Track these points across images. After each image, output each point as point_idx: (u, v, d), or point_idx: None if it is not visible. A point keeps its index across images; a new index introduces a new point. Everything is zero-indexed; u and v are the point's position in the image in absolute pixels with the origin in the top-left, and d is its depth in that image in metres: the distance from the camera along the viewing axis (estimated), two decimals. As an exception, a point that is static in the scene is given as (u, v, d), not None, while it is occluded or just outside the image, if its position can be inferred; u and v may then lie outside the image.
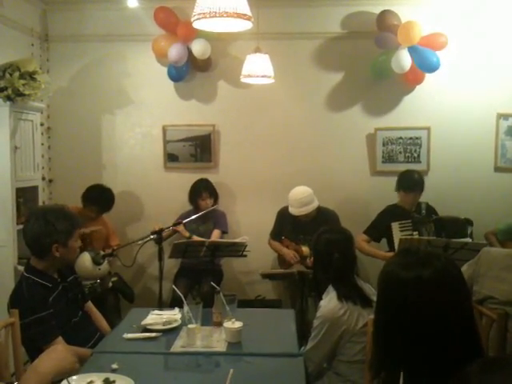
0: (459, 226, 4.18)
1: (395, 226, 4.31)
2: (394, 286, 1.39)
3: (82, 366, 2.30)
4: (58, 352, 1.79)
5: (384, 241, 4.49)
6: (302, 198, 4.25)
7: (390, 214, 4.42)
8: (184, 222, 4.26)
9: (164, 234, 3.97)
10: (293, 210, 4.29)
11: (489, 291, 2.95)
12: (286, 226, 4.52)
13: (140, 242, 3.75)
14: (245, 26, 2.37)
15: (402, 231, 4.29)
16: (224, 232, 4.71)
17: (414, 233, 4.26)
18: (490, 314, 2.65)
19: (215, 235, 4.60)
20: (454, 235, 4.04)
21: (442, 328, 1.32)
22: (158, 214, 4.81)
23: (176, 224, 4.25)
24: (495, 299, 2.90)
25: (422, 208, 4.35)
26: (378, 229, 4.43)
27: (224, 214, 4.81)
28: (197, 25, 2.34)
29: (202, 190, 4.67)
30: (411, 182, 4.38)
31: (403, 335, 1.35)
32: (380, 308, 1.45)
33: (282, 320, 3.04)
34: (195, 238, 4.53)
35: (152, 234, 3.72)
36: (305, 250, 4.26)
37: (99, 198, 4.56)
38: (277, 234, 4.62)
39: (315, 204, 4.27)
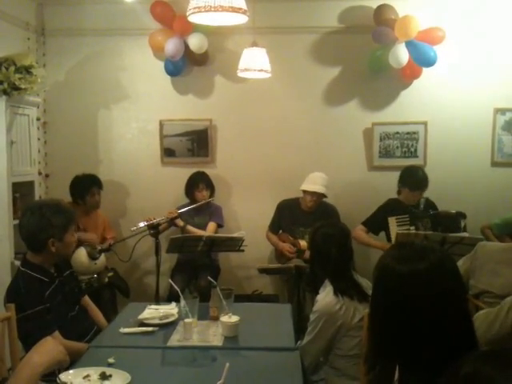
0: (452, 219, 4.18)
1: (392, 220, 4.32)
2: (390, 280, 1.39)
3: (78, 360, 2.31)
4: (49, 344, 1.81)
5: (383, 234, 4.50)
6: (322, 178, 4.41)
7: (390, 207, 4.43)
8: (180, 211, 4.27)
9: (160, 227, 3.99)
10: (308, 186, 4.39)
11: (485, 285, 2.96)
12: (285, 219, 4.54)
13: (134, 229, 3.76)
14: (240, 19, 2.36)
15: (398, 226, 4.30)
16: (219, 225, 4.71)
17: (411, 227, 4.27)
18: (486, 308, 2.65)
19: (210, 228, 4.60)
20: (449, 229, 4.05)
21: (437, 321, 1.32)
22: (154, 208, 4.78)
23: (173, 218, 4.27)
24: (491, 293, 2.91)
25: (421, 203, 4.35)
26: (376, 221, 4.44)
27: (220, 207, 4.82)
28: (192, 19, 2.34)
29: (198, 181, 4.68)
30: (418, 181, 4.31)
31: (398, 328, 1.35)
32: (375, 301, 1.45)
33: (279, 314, 3.05)
34: (189, 227, 4.54)
35: (149, 228, 3.73)
36: (302, 243, 4.29)
37: (91, 181, 4.53)
38: (275, 226, 4.64)
39: (326, 192, 4.38)
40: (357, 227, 4.38)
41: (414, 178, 4.34)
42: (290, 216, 4.52)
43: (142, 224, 3.85)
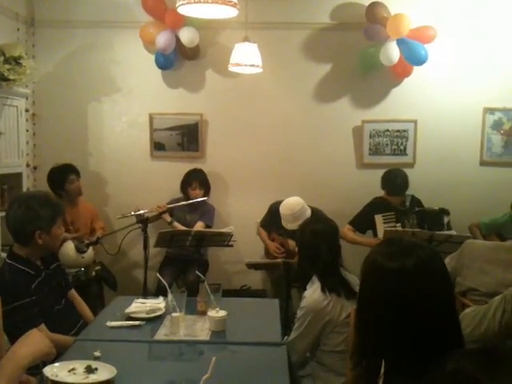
0: (436, 216, 4.22)
1: (378, 218, 4.35)
2: (377, 276, 1.39)
3: (64, 353, 2.29)
4: (34, 336, 1.80)
5: (370, 232, 4.52)
6: (294, 212, 4.08)
7: (376, 206, 4.47)
8: (169, 206, 4.27)
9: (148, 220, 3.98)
10: (288, 225, 4.16)
11: (472, 283, 2.98)
12: (276, 222, 4.47)
13: (120, 217, 3.74)
14: (231, 13, 2.35)
15: (385, 223, 4.33)
16: (208, 226, 4.68)
17: (397, 225, 4.30)
18: (473, 305, 2.67)
19: (198, 227, 4.55)
20: (433, 226, 4.09)
21: (424, 318, 1.33)
22: (143, 202, 4.75)
23: (162, 213, 4.25)
24: (478, 291, 2.94)
25: (407, 200, 4.39)
26: (363, 220, 4.46)
27: (213, 208, 4.80)
28: (182, 10, 2.33)
29: (192, 180, 4.67)
30: (394, 188, 4.42)
31: (385, 324, 1.35)
32: (362, 297, 1.45)
33: (267, 309, 3.05)
34: (176, 224, 4.53)
35: (137, 221, 3.72)
36: (291, 243, 4.25)
37: (67, 169, 4.47)
38: (266, 225, 4.61)
39: (308, 214, 4.15)
40: (344, 227, 4.37)
41: (392, 184, 4.44)
42: (279, 221, 4.42)
43: (130, 213, 3.84)
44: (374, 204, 4.50)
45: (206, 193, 4.72)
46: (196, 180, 4.67)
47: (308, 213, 4.16)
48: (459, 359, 1.01)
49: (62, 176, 4.45)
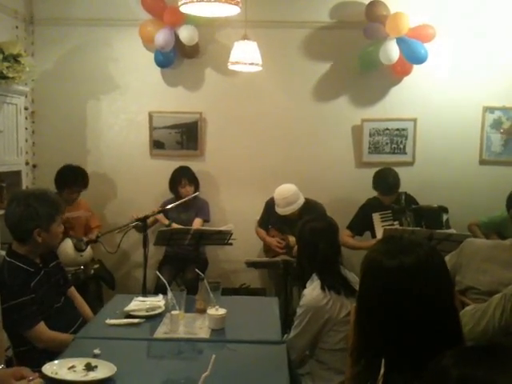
0: (434, 213, 4.21)
1: (376, 216, 4.34)
2: (377, 274, 1.39)
3: (63, 351, 2.29)
4: None
5: (368, 234, 4.51)
6: (287, 197, 4.20)
7: (370, 206, 4.46)
8: (163, 209, 4.20)
9: (148, 220, 3.95)
10: (279, 210, 4.25)
11: (471, 282, 2.97)
12: (274, 217, 4.49)
13: (118, 231, 3.71)
14: (232, 10, 2.34)
15: (382, 221, 4.31)
16: (206, 221, 4.67)
17: (395, 222, 4.28)
18: (472, 304, 2.67)
19: (197, 224, 4.55)
20: (431, 224, 4.08)
21: (423, 316, 1.32)
22: (142, 200, 4.78)
23: (158, 212, 4.21)
24: (477, 290, 2.93)
25: (401, 198, 4.38)
26: (360, 222, 4.46)
27: (206, 202, 4.78)
28: (184, 9, 2.32)
29: (181, 177, 4.64)
30: (386, 188, 4.40)
31: (384, 322, 1.35)
32: (362, 295, 1.45)
33: (266, 307, 3.05)
34: (174, 225, 4.51)
35: (136, 221, 3.70)
36: (291, 239, 4.25)
37: (75, 178, 4.44)
38: (264, 223, 4.61)
39: (301, 201, 4.22)
40: (342, 233, 4.27)
41: (384, 184, 4.41)
42: (278, 215, 4.43)
43: (127, 225, 3.79)
44: (369, 205, 4.49)
45: (196, 188, 4.69)
46: (185, 177, 4.63)
47: (301, 200, 4.23)
48: (462, 366, 1.00)
49: (67, 182, 4.41)
